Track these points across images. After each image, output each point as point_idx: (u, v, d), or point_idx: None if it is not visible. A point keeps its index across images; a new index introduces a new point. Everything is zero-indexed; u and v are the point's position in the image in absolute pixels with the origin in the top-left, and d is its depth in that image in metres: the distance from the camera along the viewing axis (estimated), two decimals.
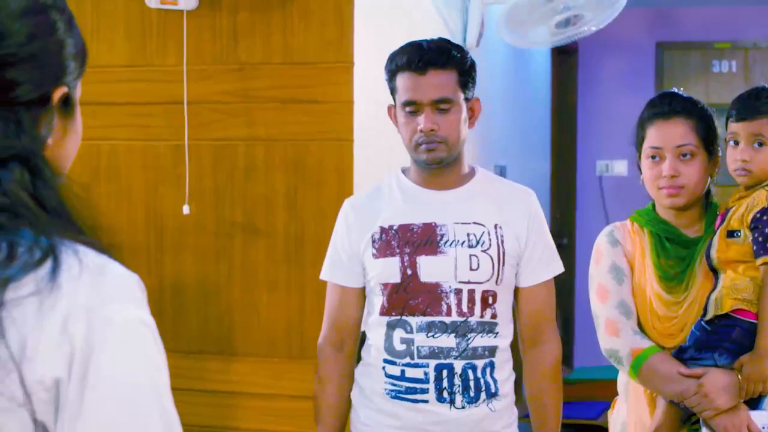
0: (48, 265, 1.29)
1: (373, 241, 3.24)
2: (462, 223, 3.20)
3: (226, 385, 4.29)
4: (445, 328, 3.15)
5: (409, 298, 3.18)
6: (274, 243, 4.22)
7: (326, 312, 3.39)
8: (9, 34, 1.34)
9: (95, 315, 1.30)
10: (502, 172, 6.23)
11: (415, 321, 3.17)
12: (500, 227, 3.21)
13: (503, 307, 3.23)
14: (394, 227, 3.22)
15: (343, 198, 4.13)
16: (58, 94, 1.41)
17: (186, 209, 4.24)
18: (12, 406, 1.26)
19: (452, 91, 3.18)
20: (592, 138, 8.97)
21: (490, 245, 3.19)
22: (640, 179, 3.30)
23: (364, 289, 3.33)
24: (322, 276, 3.39)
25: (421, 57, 3.17)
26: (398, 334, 3.19)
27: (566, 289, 7.89)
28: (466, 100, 3.23)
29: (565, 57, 8.78)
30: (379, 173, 4.23)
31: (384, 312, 3.22)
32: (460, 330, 3.15)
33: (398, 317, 3.19)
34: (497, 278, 3.19)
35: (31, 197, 1.33)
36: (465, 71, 3.21)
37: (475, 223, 3.21)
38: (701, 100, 3.28)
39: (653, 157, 3.20)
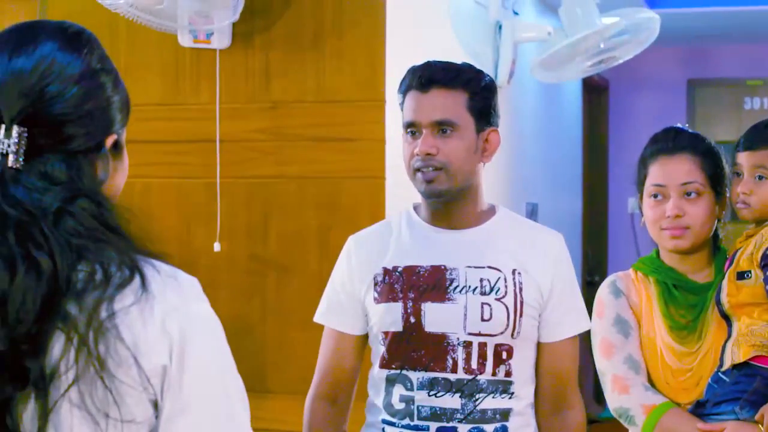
0: (137, 278, 1.63)
1: (376, 284, 2.86)
2: (475, 267, 2.80)
3: (259, 422, 4.26)
4: (449, 387, 2.75)
5: (411, 349, 2.78)
6: (306, 280, 4.23)
7: (319, 361, 3.02)
8: (67, 97, 1.64)
9: (183, 313, 1.66)
10: (533, 210, 6.23)
11: (416, 376, 2.77)
12: (519, 273, 2.81)
13: (521, 364, 2.82)
14: (399, 269, 2.84)
15: None
16: (109, 142, 1.72)
17: (217, 246, 4.25)
18: (136, 391, 1.60)
19: (457, 114, 2.78)
20: (623, 175, 8.94)
21: (506, 293, 2.79)
22: (641, 221, 3.06)
23: (364, 336, 2.95)
24: (318, 319, 3.04)
25: (424, 73, 2.83)
26: (398, 390, 2.80)
27: None
28: (480, 130, 2.83)
29: (596, 94, 8.78)
30: None
31: (383, 364, 2.84)
32: (467, 389, 2.75)
33: (398, 371, 2.80)
34: (513, 331, 2.78)
35: (102, 225, 1.64)
36: (477, 94, 2.81)
37: (490, 267, 2.81)
38: (708, 137, 3.07)
39: (655, 196, 2.97)
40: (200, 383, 1.67)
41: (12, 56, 1.64)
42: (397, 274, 2.84)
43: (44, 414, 1.55)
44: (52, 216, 1.59)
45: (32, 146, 1.62)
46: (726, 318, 2.88)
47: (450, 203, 2.84)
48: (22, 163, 1.61)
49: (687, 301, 2.97)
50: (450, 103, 2.79)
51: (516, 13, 5.68)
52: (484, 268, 2.80)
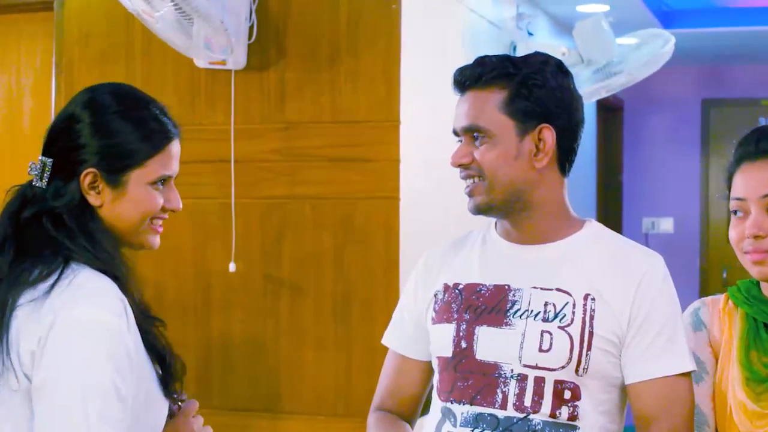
0: (51, 280, 2.04)
1: (435, 302, 2.50)
2: (541, 289, 2.39)
3: None
4: (495, 425, 2.34)
5: (458, 379, 2.40)
6: (321, 301, 4.23)
7: (380, 381, 2.66)
8: (53, 140, 2.18)
9: (60, 312, 2.01)
10: None
11: (460, 411, 2.38)
12: (593, 299, 2.35)
13: (593, 407, 2.35)
14: (460, 286, 2.47)
15: (390, 256, 4.16)
16: (83, 174, 2.14)
17: (232, 266, 4.26)
18: (16, 366, 2.02)
19: (488, 117, 2.38)
20: (638, 195, 8.95)
21: (572, 321, 2.34)
22: None
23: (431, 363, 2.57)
24: (382, 339, 2.68)
25: (458, 74, 2.46)
26: (446, 427, 2.41)
27: None
28: (526, 131, 2.38)
29: (610, 114, 8.77)
30: (425, 231, 4.24)
31: (438, 394, 2.47)
32: (516, 429, 2.32)
33: (445, 403, 2.43)
34: (578, 366, 2.32)
35: (55, 234, 2.11)
36: (519, 90, 2.38)
37: (558, 290, 2.38)
38: None
39: (736, 213, 2.40)
40: (53, 370, 1.99)
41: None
42: (457, 291, 2.47)
43: None
44: (18, 222, 2.15)
45: (51, 174, 2.17)
46: None
47: (514, 216, 2.45)
48: (42, 185, 2.16)
49: None
50: (479, 106, 2.40)
51: (530, 34, 5.70)
52: (551, 290, 2.38)
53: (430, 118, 4.33)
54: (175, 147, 2.29)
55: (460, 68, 2.45)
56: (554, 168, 2.45)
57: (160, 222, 2.29)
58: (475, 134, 2.39)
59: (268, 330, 4.31)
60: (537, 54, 2.47)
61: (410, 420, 2.62)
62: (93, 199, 2.15)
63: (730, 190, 2.43)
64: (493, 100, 2.38)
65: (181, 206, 2.32)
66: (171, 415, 2.20)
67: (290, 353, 4.28)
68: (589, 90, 5.36)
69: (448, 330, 2.42)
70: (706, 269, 8.81)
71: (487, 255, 2.50)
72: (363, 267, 4.16)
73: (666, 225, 8.91)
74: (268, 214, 4.30)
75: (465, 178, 2.42)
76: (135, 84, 4.42)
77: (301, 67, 4.25)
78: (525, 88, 2.38)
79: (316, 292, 4.23)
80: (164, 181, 2.26)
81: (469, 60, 2.48)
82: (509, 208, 2.42)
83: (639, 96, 8.45)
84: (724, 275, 8.40)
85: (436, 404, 2.46)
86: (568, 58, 5.28)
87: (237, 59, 4.21)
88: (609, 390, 2.37)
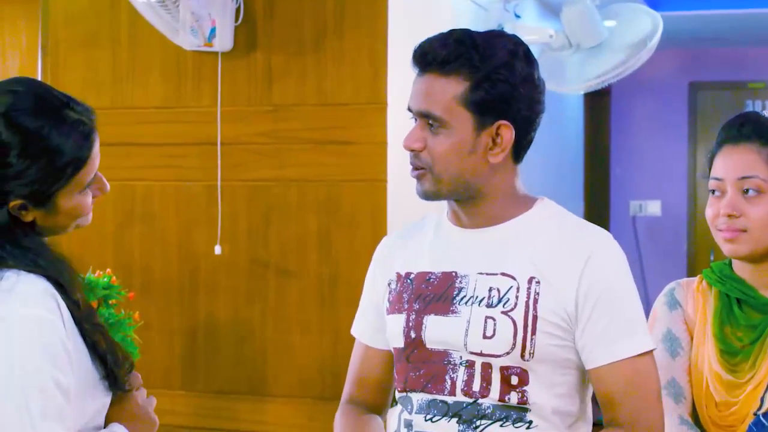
0: None
1: (389, 292, 2.47)
2: (486, 274, 2.32)
3: (258, 425, 4.28)
4: (445, 410, 2.33)
5: (410, 369, 2.38)
6: (307, 284, 4.23)
7: (349, 369, 2.65)
8: None
9: None
10: None
11: (416, 398, 2.37)
12: (537, 282, 2.29)
13: (544, 392, 2.31)
14: (411, 275, 2.42)
15: (377, 239, 4.14)
16: (11, 203, 2.08)
17: (218, 249, 4.25)
18: None
19: (445, 107, 2.28)
20: (625, 178, 8.96)
21: (515, 305, 2.28)
22: None
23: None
24: (351, 329, 2.67)
25: (421, 49, 2.35)
26: (403, 415, 2.41)
27: None
28: (483, 126, 2.29)
29: (597, 98, 8.77)
30: (413, 215, 4.23)
31: (396, 384, 2.46)
32: (465, 414, 2.31)
33: (402, 393, 2.41)
34: (522, 351, 2.27)
35: None
36: (481, 82, 2.27)
37: (503, 274, 2.31)
38: None
39: (714, 192, 2.51)
40: None
41: None
42: (408, 281, 2.42)
43: None
44: None
45: None
46: None
47: (462, 203, 2.38)
48: None
49: (748, 321, 2.49)
50: (437, 93, 2.29)
51: (518, 16, 5.69)
52: (496, 275, 2.32)
53: None
54: (96, 146, 2.15)
55: (422, 44, 2.34)
56: (508, 159, 2.36)
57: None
58: (430, 121, 2.30)
59: (254, 313, 4.30)
60: (504, 39, 2.35)
61: (381, 409, 2.60)
62: (24, 217, 2.11)
63: (710, 171, 2.54)
64: (452, 89, 2.28)
65: (109, 188, 2.21)
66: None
67: (276, 336, 4.27)
68: (584, 85, 5.36)
69: (399, 320, 2.40)
70: (693, 251, 8.82)
71: (438, 242, 2.44)
72: (349, 250, 4.16)
73: (653, 208, 8.92)
74: (254, 196, 4.30)
75: (413, 165, 2.36)
76: (121, 67, 4.44)
77: (287, 50, 4.24)
78: (488, 82, 2.27)
79: (302, 275, 4.23)
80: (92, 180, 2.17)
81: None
82: (457, 196, 2.35)
83: (626, 79, 8.42)
84: (711, 257, 8.41)
85: (397, 395, 2.44)
86: (556, 41, 5.28)
87: (223, 42, 4.20)
88: (564, 372, 2.32)
